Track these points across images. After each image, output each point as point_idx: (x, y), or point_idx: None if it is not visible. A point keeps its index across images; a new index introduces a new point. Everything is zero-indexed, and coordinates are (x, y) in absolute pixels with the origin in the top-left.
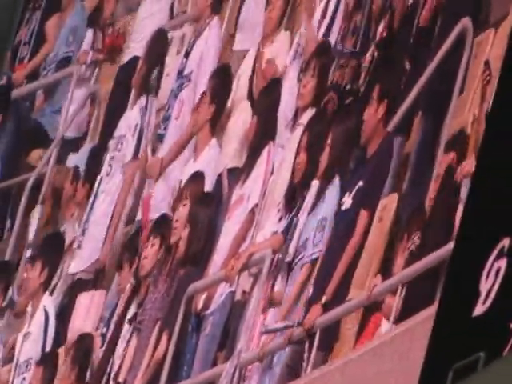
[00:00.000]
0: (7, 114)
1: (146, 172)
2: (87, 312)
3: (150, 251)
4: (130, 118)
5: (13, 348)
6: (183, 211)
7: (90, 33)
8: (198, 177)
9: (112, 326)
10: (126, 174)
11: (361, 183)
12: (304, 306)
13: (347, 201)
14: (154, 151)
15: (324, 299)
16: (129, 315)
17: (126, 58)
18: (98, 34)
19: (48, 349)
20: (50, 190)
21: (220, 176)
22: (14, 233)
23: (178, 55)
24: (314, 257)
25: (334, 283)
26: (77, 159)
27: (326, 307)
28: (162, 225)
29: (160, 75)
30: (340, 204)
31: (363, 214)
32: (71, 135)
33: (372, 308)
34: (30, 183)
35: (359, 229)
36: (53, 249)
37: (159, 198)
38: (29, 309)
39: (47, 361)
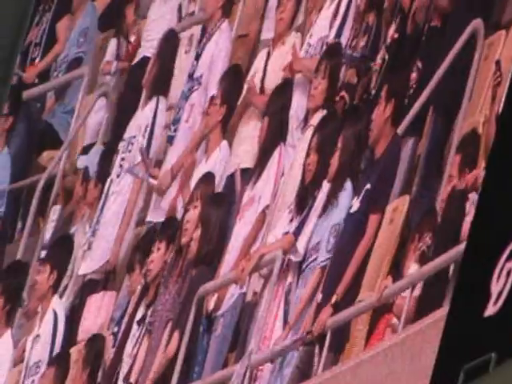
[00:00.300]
0: (18, 115)
1: (157, 188)
2: (98, 312)
3: (156, 255)
4: (141, 118)
5: (24, 349)
6: (194, 212)
7: (113, 42)
8: (208, 178)
9: (123, 327)
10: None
11: (368, 185)
12: (314, 311)
13: (355, 204)
14: (163, 153)
15: (334, 299)
16: (138, 316)
17: (136, 58)
18: (121, 42)
19: (56, 352)
20: (61, 191)
21: (231, 176)
22: (24, 234)
23: (187, 55)
24: (326, 263)
25: (345, 284)
26: (87, 160)
27: (337, 308)
28: (168, 228)
29: (170, 76)
30: (350, 207)
31: (373, 218)
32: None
33: (383, 309)
34: (41, 184)
35: (369, 232)
36: (61, 252)
37: (168, 200)
38: (39, 311)
39: (59, 361)
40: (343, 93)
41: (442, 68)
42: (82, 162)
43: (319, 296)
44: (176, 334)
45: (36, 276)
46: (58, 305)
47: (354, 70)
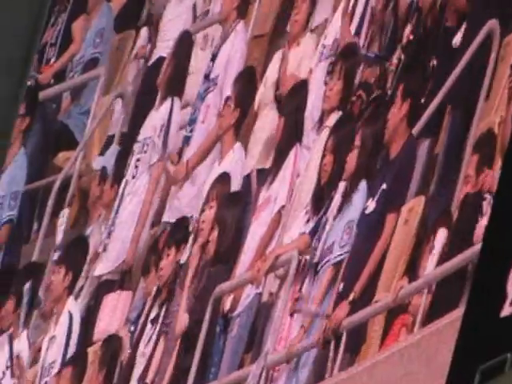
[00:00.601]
0: (34, 116)
1: (172, 177)
2: (113, 313)
3: (166, 262)
4: (156, 119)
5: (39, 350)
6: (210, 213)
7: (144, 29)
8: (224, 178)
9: (139, 327)
10: (152, 176)
11: (384, 186)
12: (333, 301)
13: (371, 205)
14: (179, 153)
15: (352, 296)
16: (152, 315)
17: (152, 59)
18: (152, 31)
19: (70, 353)
20: (77, 191)
21: (247, 177)
22: (40, 234)
23: (202, 52)
24: (339, 259)
25: (361, 284)
26: (104, 161)
27: (353, 305)
28: (178, 231)
29: (185, 76)
30: (364, 208)
31: (390, 218)
32: None
33: (398, 310)
34: (56, 185)
35: (386, 231)
36: (77, 253)
37: (184, 201)
38: (54, 312)
39: (77, 361)
40: (360, 91)
41: (458, 68)
42: (98, 162)
43: (340, 286)
44: (192, 335)
45: (52, 276)
46: (74, 306)
47: (370, 70)
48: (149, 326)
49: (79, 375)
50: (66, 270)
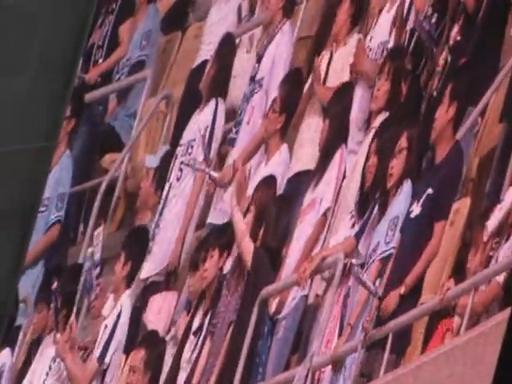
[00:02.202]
0: (81, 118)
1: (218, 180)
2: (159, 314)
3: (210, 263)
4: (200, 121)
5: (85, 349)
6: (249, 216)
7: None
8: (269, 180)
9: (179, 337)
10: (197, 178)
11: (430, 190)
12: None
13: (416, 208)
14: (225, 155)
15: (402, 290)
16: (194, 325)
17: (196, 61)
18: None
19: (112, 349)
20: (122, 194)
21: (292, 179)
22: (86, 237)
23: (247, 55)
24: (385, 254)
25: (412, 277)
26: (155, 161)
27: (402, 301)
28: (222, 234)
29: (228, 78)
30: (409, 212)
31: (439, 226)
32: None
33: (444, 311)
34: (103, 187)
35: (436, 239)
36: (137, 242)
37: (227, 204)
38: (110, 303)
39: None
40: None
41: (502, 72)
42: (151, 161)
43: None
44: (238, 336)
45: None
46: (127, 300)
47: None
48: (192, 337)
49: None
50: (125, 259)
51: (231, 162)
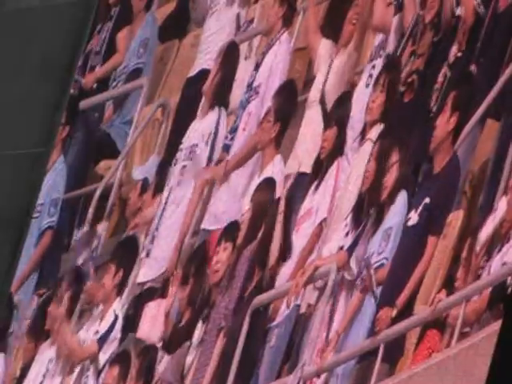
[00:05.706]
0: (75, 125)
1: (212, 177)
2: (153, 322)
3: (223, 255)
4: (203, 127)
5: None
6: (245, 219)
7: None
8: (269, 182)
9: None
10: (197, 183)
11: (427, 200)
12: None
13: (413, 217)
14: (220, 162)
15: (394, 312)
16: (195, 337)
17: (192, 70)
18: None
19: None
20: (117, 201)
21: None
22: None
23: (246, 61)
24: (377, 265)
25: (403, 299)
26: (144, 171)
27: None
28: (233, 231)
29: (231, 88)
30: (406, 220)
31: (432, 240)
32: None
33: (435, 323)
34: (97, 193)
35: (428, 253)
36: (127, 252)
37: (220, 209)
38: (99, 310)
39: (122, 360)
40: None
41: (498, 83)
42: (138, 172)
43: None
44: (229, 343)
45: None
46: (120, 307)
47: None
48: (193, 351)
49: (124, 374)
50: (116, 269)
51: (224, 162)
